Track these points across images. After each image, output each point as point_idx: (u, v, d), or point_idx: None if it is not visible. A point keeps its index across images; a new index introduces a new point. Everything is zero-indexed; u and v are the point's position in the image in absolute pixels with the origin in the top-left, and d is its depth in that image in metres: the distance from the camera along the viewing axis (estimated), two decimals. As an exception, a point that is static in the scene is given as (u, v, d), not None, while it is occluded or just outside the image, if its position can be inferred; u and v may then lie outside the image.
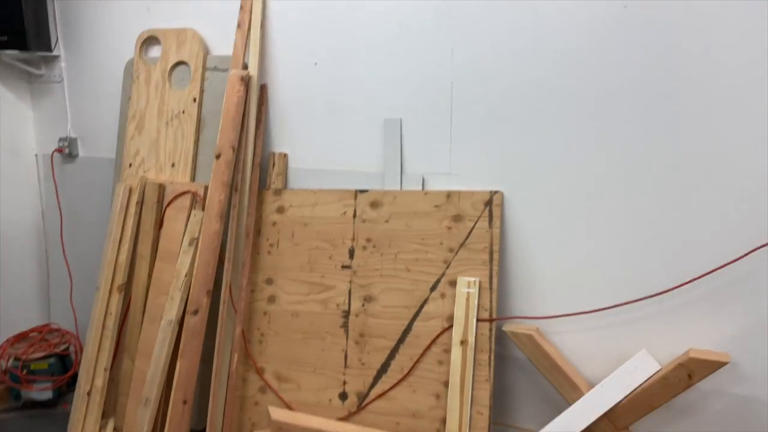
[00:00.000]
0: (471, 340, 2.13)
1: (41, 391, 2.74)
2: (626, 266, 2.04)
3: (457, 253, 2.23)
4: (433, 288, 2.25)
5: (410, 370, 2.24)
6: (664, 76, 1.91)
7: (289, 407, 2.39)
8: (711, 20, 1.83)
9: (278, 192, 2.52)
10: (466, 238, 2.22)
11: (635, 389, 1.98)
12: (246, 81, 2.46)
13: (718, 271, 1.90)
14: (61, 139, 3.14)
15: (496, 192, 2.20)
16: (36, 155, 3.28)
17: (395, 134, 2.37)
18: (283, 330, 2.45)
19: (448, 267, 2.24)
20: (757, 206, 1.84)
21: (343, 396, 2.34)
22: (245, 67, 2.52)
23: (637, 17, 1.92)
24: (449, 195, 2.26)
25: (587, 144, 2.05)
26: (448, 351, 2.19)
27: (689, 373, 1.89)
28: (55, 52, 3.09)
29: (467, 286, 2.17)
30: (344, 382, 2.34)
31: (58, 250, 3.19)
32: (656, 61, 1.92)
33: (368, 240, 2.37)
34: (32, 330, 3.00)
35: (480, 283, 2.17)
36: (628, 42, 1.95)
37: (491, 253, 2.18)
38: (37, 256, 3.29)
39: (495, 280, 2.16)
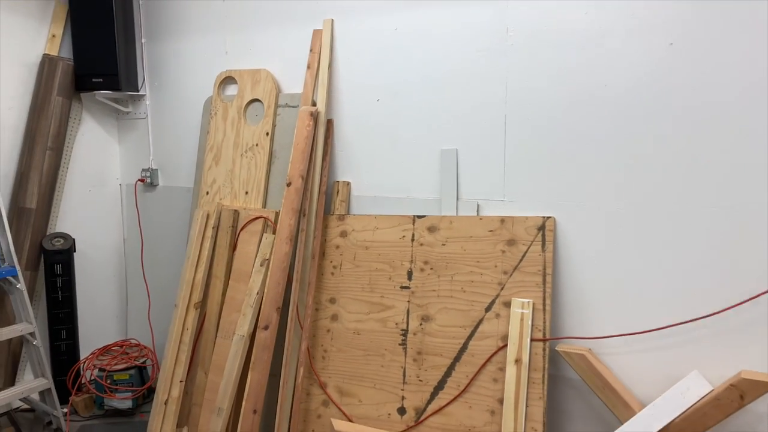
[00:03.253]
0: (525, 359, 2.23)
1: (122, 400, 2.98)
2: (677, 287, 2.12)
3: (511, 275, 2.35)
4: (488, 308, 2.37)
5: (466, 387, 2.35)
6: (704, 106, 2.02)
7: (350, 420, 2.53)
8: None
9: (342, 217, 2.72)
10: (520, 261, 2.34)
11: (687, 409, 2.03)
12: (315, 116, 2.69)
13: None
14: (143, 170, 3.45)
15: (548, 217, 2.32)
16: (120, 184, 3.60)
17: (452, 163, 2.54)
18: (345, 347, 2.61)
19: (502, 289, 2.36)
20: (806, 231, 1.90)
21: (402, 411, 2.46)
22: (314, 104, 2.75)
23: (682, 54, 2.04)
24: (503, 220, 2.40)
25: (632, 168, 2.16)
26: (502, 369, 2.29)
27: (741, 394, 1.93)
28: (141, 92, 3.42)
29: (521, 307, 2.29)
30: (402, 398, 2.47)
31: (137, 272, 3.48)
32: (699, 91, 2.03)
33: (425, 262, 2.52)
34: (114, 344, 3.26)
35: (533, 304, 2.28)
36: (672, 76, 2.07)
37: (544, 276, 2.29)
38: (118, 277, 3.58)
39: (548, 302, 2.27)
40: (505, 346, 2.29)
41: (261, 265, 2.66)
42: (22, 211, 3.02)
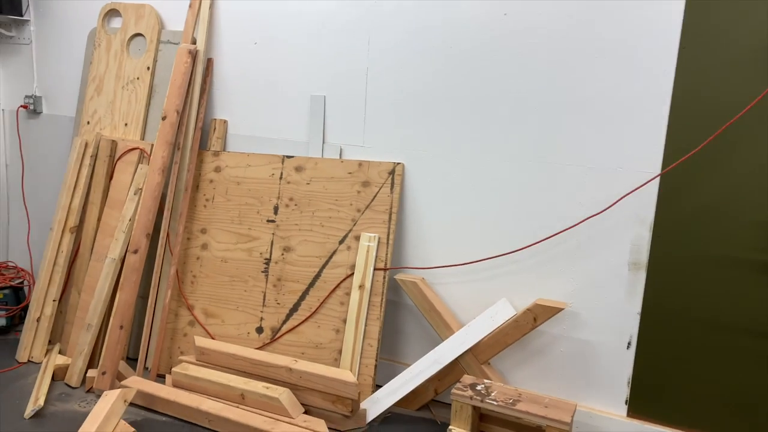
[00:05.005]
0: (368, 285, 2.54)
1: (-4, 319, 3.09)
2: (500, 228, 2.47)
3: (363, 213, 2.63)
4: (341, 241, 2.65)
5: (317, 309, 2.64)
6: (533, 76, 2.33)
7: (212, 338, 2.77)
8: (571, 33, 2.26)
9: (216, 153, 2.89)
10: (371, 200, 2.62)
11: (494, 330, 2.41)
12: (193, 54, 2.82)
13: (564, 236, 2.33)
14: (26, 97, 3.44)
15: (398, 163, 2.60)
16: (2, 110, 3.57)
17: (320, 109, 2.75)
18: (213, 273, 2.83)
19: (355, 224, 2.64)
20: (595, 188, 2.28)
21: (260, 330, 2.72)
22: (194, 42, 2.87)
23: (517, 25, 2.34)
24: (360, 164, 2.65)
25: (472, 128, 2.47)
26: (348, 294, 2.59)
27: (534, 317, 2.32)
28: (25, 17, 3.38)
29: (368, 241, 2.57)
30: (261, 318, 2.73)
31: (18, 197, 3.51)
32: (528, 62, 2.34)
33: (291, 199, 2.75)
34: (-9, 266, 3.33)
35: (379, 238, 2.57)
36: (506, 46, 2.36)
37: (390, 214, 2.58)
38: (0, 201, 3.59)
39: (392, 237, 2.57)
40: (353, 274, 2.58)
41: (135, 194, 2.81)
42: None
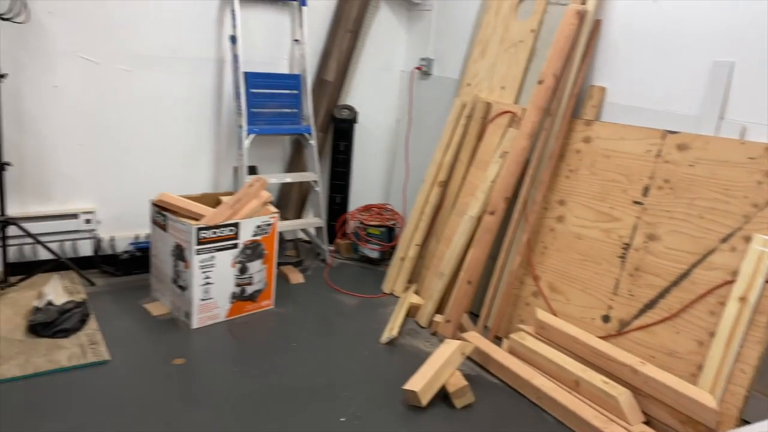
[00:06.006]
0: (752, 299, 2.06)
1: (372, 250, 3.57)
2: None
3: (762, 210, 2.12)
4: (724, 240, 2.20)
5: (678, 312, 2.27)
6: None
7: (554, 314, 2.66)
8: None
9: (589, 123, 2.70)
10: (777, 196, 2.09)
11: None
12: (581, 15, 2.65)
13: None
14: (421, 59, 3.80)
15: (827, 152, 2.00)
16: (401, 71, 4.04)
17: (722, 78, 2.30)
18: (565, 248, 2.70)
19: (747, 222, 2.15)
20: None
21: (606, 318, 2.50)
22: (583, 1, 2.70)
23: None
24: (769, 149, 2.14)
25: None
26: (723, 303, 2.15)
27: None
28: (432, -15, 3.71)
29: (763, 245, 2.08)
30: (609, 307, 2.50)
31: (402, 149, 3.96)
32: None
33: (666, 181, 2.40)
34: (375, 205, 3.85)
35: (779, 244, 2.05)
36: None
37: (802, 217, 2.02)
38: (387, 152, 4.12)
39: (799, 246, 2.02)
40: (733, 281, 2.13)
41: (500, 157, 2.84)
42: (322, 82, 3.66)
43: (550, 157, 2.73)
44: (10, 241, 2.92)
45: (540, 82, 2.69)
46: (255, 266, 2.85)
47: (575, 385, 2.29)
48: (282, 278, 3.32)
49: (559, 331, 2.48)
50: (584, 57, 2.71)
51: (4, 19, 2.61)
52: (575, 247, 2.66)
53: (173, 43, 3.19)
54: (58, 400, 2.11)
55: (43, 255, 3.03)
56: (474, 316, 2.99)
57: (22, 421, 1.98)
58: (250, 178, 2.98)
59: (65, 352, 2.39)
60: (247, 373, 2.39)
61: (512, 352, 2.57)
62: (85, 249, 3.17)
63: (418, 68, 3.83)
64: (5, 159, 2.80)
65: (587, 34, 2.68)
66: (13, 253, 2.97)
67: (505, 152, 2.83)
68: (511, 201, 2.80)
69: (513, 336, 2.58)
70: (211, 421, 2.08)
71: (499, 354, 2.53)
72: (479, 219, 2.84)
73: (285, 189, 3.72)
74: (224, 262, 2.72)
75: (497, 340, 2.78)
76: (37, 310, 2.59)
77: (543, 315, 2.58)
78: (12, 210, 2.94)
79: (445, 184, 3.18)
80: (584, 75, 2.74)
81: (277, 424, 2.10)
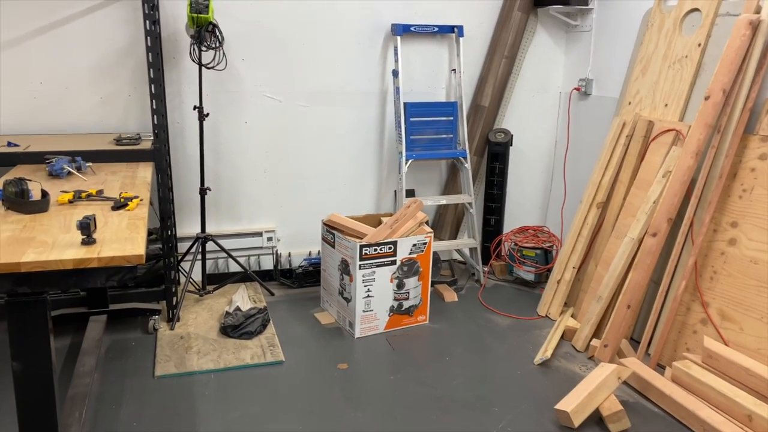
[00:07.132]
0: None
1: (527, 273, 3.58)
2: None
3: None
4: None
5: None
6: None
7: (725, 343, 2.47)
8: None
9: (765, 138, 2.50)
10: None
11: None
12: (754, 25, 2.48)
13: None
14: (580, 80, 3.77)
15: None
16: (560, 92, 4.02)
17: None
18: (738, 273, 2.50)
19: None
20: None
21: (787, 351, 2.28)
22: (758, 11, 2.53)
23: None
24: None
25: None
26: None
27: None
28: (590, 6, 3.67)
29: None
30: (792, 339, 2.27)
31: (560, 171, 3.93)
32: None
33: None
34: (530, 227, 3.85)
35: None
36: None
37: None
38: (544, 173, 4.11)
39: None
40: None
41: (663, 177, 2.73)
42: (478, 108, 3.78)
43: (720, 176, 2.57)
44: (208, 255, 3.43)
45: (707, 98, 2.55)
46: (411, 282, 3.03)
47: (747, 419, 2.12)
48: (437, 296, 3.47)
49: (731, 362, 2.30)
50: (759, 69, 2.52)
51: (208, 68, 3.12)
52: (751, 272, 2.46)
53: (342, 80, 3.54)
54: (243, 392, 2.44)
55: (233, 267, 3.52)
56: (634, 342, 2.87)
57: (216, 406, 2.33)
58: (407, 200, 3.18)
59: (249, 352, 2.75)
60: (403, 382, 2.56)
61: (676, 380, 2.43)
62: (267, 263, 3.62)
63: (576, 89, 3.80)
64: (206, 185, 3.31)
65: (762, 45, 2.50)
66: (209, 266, 3.49)
67: (669, 171, 2.71)
68: (675, 222, 2.67)
69: (677, 364, 2.45)
70: (370, 422, 2.27)
71: (661, 382, 2.41)
72: (640, 241, 2.75)
73: (441, 211, 3.89)
74: (383, 277, 2.94)
75: (659, 368, 2.64)
76: (227, 314, 3.01)
77: (711, 343, 2.42)
78: (210, 228, 3.46)
79: (603, 206, 3.11)
80: (759, 88, 2.55)
81: (430, 431, 2.22)
